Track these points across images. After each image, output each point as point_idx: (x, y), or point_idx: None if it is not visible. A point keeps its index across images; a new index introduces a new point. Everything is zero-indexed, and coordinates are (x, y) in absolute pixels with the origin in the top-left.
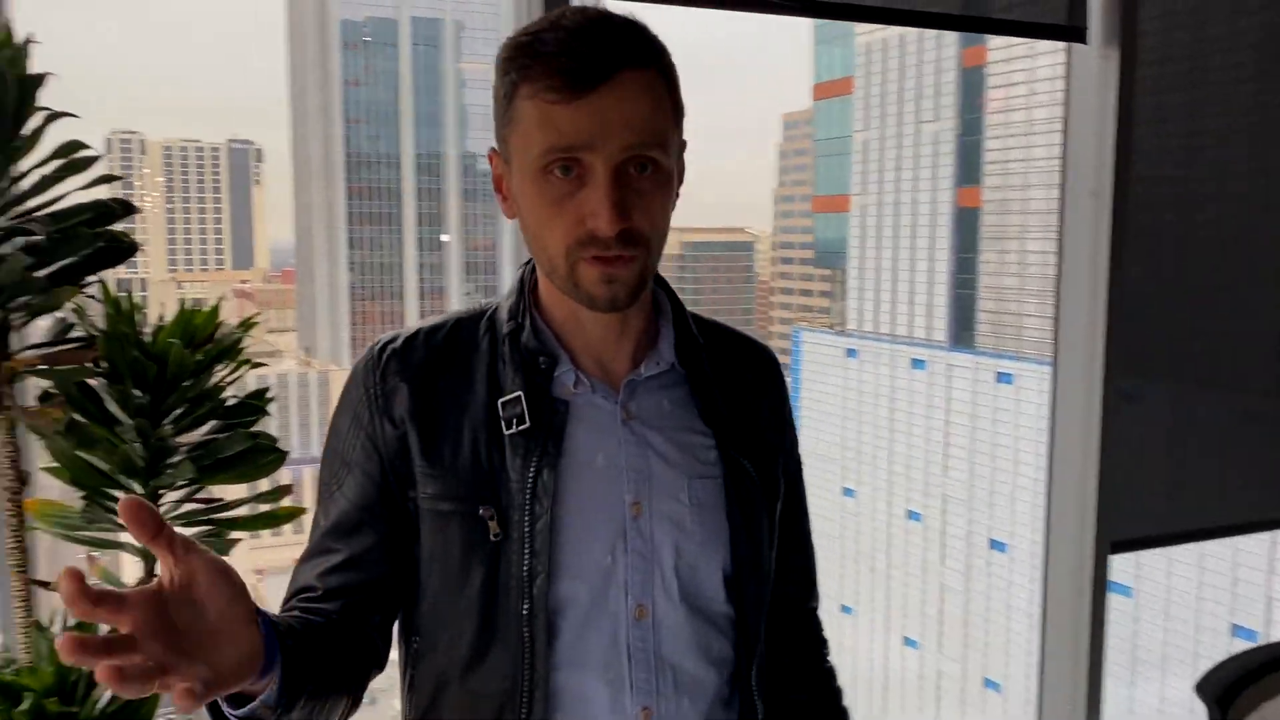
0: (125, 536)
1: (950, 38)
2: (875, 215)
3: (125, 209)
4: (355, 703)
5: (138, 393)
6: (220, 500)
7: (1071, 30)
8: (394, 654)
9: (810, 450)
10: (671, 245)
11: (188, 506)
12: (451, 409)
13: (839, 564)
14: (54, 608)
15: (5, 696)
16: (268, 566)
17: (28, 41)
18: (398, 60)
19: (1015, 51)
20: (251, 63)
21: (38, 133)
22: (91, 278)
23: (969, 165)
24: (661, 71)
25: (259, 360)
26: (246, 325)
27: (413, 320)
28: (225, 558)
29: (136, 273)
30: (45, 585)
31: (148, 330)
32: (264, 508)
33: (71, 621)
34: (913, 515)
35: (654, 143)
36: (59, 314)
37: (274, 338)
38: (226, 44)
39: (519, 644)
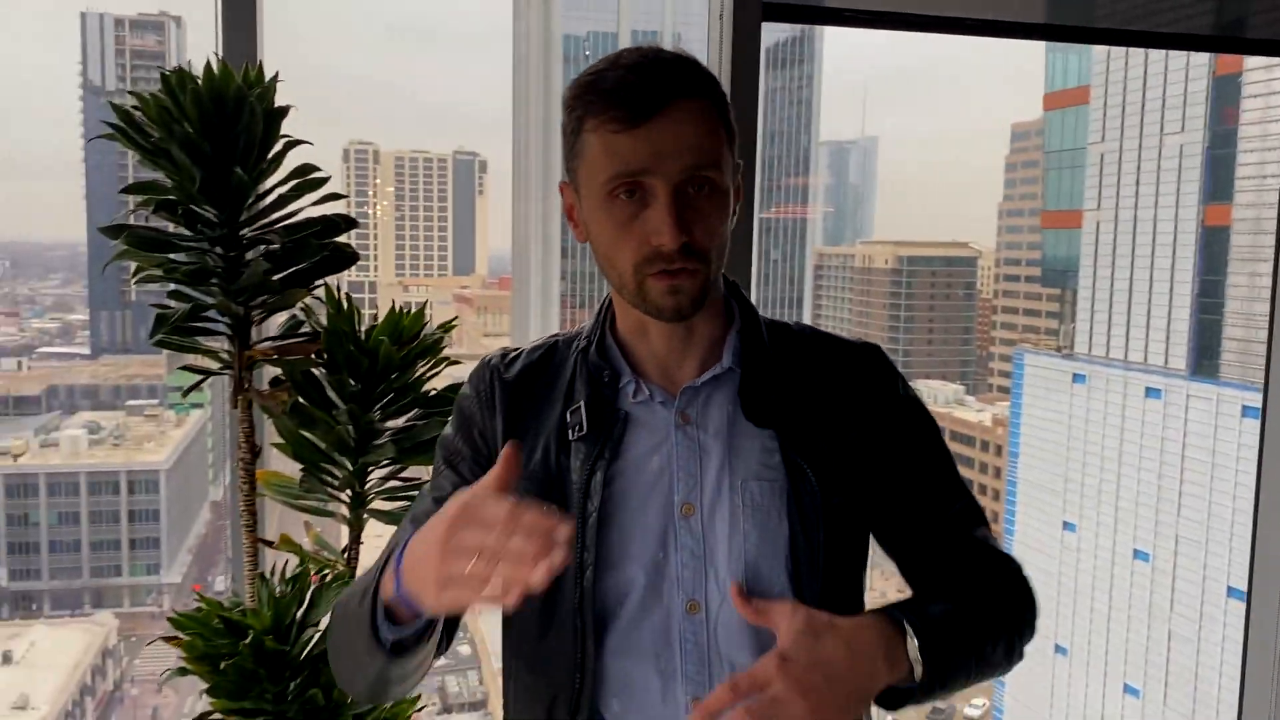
0: (336, 506)
1: None
2: (1111, 232)
3: (348, 223)
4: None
5: (352, 382)
6: (417, 480)
7: None
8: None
9: (1028, 480)
10: (887, 258)
11: (390, 483)
12: (534, 418)
13: (1055, 601)
14: (274, 561)
15: (233, 632)
16: None
17: (274, 79)
18: None
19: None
20: (479, 77)
21: (279, 157)
22: (318, 281)
23: (1219, 180)
24: (713, 100)
25: (456, 359)
26: (447, 327)
27: None
28: None
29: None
30: (269, 544)
31: (362, 329)
32: None
33: (290, 574)
34: (1140, 555)
35: (709, 163)
36: (290, 312)
37: (489, 341)
38: (456, 60)
39: (573, 631)
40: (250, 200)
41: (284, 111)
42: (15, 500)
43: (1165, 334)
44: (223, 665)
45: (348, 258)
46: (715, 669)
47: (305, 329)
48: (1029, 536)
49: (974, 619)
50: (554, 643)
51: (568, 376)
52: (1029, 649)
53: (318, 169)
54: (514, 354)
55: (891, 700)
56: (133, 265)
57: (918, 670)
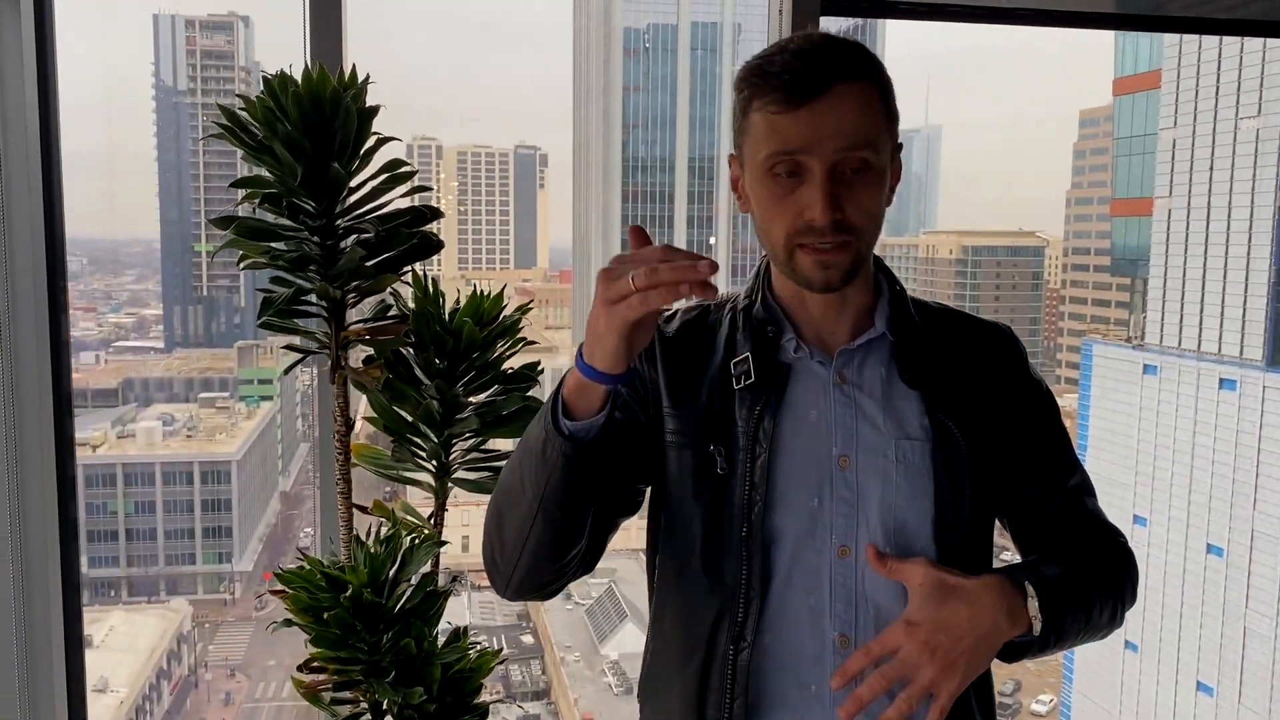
0: (422, 475)
1: None
2: (1183, 219)
3: (433, 213)
4: (573, 542)
5: (438, 360)
6: (497, 451)
7: None
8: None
9: (1097, 473)
10: (952, 248)
11: (472, 455)
12: (694, 368)
13: None
14: (369, 524)
15: (334, 587)
16: None
17: (365, 80)
18: (675, 66)
19: None
20: (540, 71)
21: (370, 153)
22: (406, 268)
23: None
24: (874, 83)
25: (532, 340)
26: (523, 309)
27: None
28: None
29: (431, 269)
30: (364, 510)
31: (447, 311)
32: None
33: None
34: (1213, 550)
35: (864, 144)
36: (380, 296)
37: (551, 334)
38: (517, 54)
39: (739, 562)
40: (344, 193)
41: (374, 111)
42: (94, 490)
43: (1240, 324)
44: (325, 616)
45: (434, 245)
46: (861, 610)
47: (394, 312)
48: None
49: (1085, 583)
50: (723, 571)
51: (725, 332)
52: (1103, 641)
53: (406, 163)
54: (670, 313)
55: (1010, 653)
56: (198, 256)
57: (1037, 626)
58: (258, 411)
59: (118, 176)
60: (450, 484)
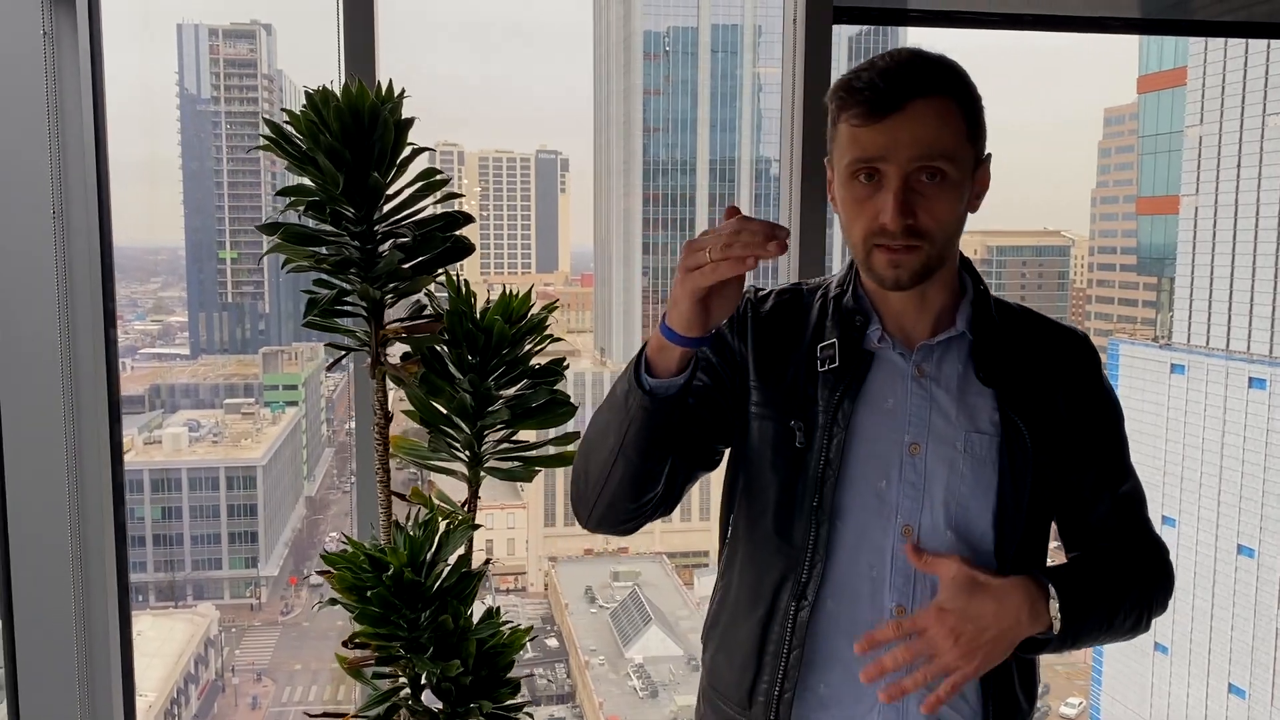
0: (456, 465)
1: None
2: (1210, 218)
3: (465, 219)
4: (649, 483)
5: (470, 356)
6: (527, 442)
7: None
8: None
9: None
10: (975, 248)
11: (503, 445)
12: (781, 346)
13: None
14: (407, 512)
15: (376, 567)
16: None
17: (401, 94)
18: (696, 69)
19: None
20: (560, 76)
21: (405, 162)
22: (440, 270)
23: None
24: (956, 98)
25: (559, 337)
26: (549, 308)
27: None
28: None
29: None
30: (402, 497)
31: (478, 311)
32: (553, 450)
33: (423, 518)
34: (1244, 550)
35: (939, 155)
36: (416, 297)
37: (573, 338)
38: (537, 59)
39: (807, 529)
40: (382, 200)
41: (410, 122)
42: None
43: (1270, 322)
44: (369, 594)
45: (466, 248)
46: (919, 585)
47: (429, 311)
48: None
49: (1112, 590)
50: (793, 534)
51: (815, 316)
52: (1133, 643)
53: (439, 171)
54: (764, 292)
55: (1029, 647)
56: (223, 263)
57: (1056, 626)
58: (283, 417)
59: (142, 184)
60: (483, 473)
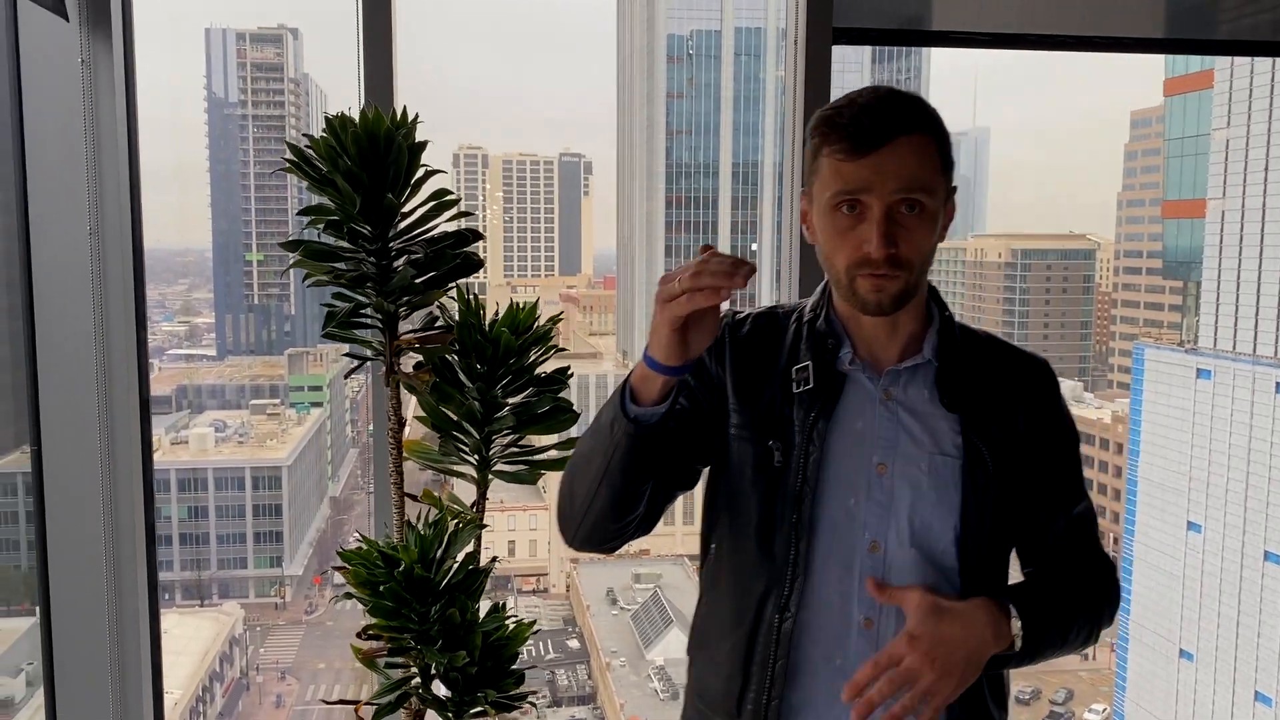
0: (465, 468)
1: None
2: (1237, 221)
3: (475, 236)
4: (631, 506)
5: (479, 365)
6: (533, 446)
7: None
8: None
9: (1149, 479)
10: (1000, 251)
11: (510, 450)
12: (758, 368)
13: (1179, 604)
14: (420, 512)
15: (389, 563)
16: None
17: (415, 119)
18: (719, 72)
19: None
20: (584, 80)
21: (419, 183)
22: (451, 284)
23: None
24: (932, 135)
25: (563, 347)
26: (554, 320)
27: None
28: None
29: (477, 277)
30: (414, 498)
31: (486, 321)
32: (557, 454)
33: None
34: (1271, 557)
35: (918, 188)
36: (428, 309)
37: (595, 340)
38: (561, 63)
39: (787, 545)
40: (397, 219)
41: (423, 146)
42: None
43: None
44: (381, 589)
45: (475, 264)
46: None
47: (440, 323)
48: (1150, 537)
49: (1065, 607)
50: (774, 549)
51: (789, 339)
52: (1158, 649)
53: (451, 193)
54: (742, 315)
55: (991, 664)
56: (249, 265)
57: (1017, 643)
58: (308, 418)
59: (171, 187)
60: (490, 476)
